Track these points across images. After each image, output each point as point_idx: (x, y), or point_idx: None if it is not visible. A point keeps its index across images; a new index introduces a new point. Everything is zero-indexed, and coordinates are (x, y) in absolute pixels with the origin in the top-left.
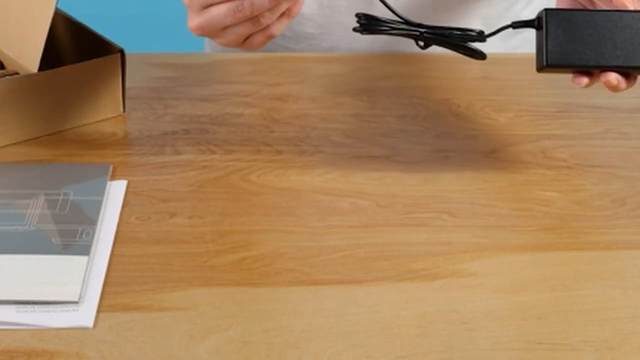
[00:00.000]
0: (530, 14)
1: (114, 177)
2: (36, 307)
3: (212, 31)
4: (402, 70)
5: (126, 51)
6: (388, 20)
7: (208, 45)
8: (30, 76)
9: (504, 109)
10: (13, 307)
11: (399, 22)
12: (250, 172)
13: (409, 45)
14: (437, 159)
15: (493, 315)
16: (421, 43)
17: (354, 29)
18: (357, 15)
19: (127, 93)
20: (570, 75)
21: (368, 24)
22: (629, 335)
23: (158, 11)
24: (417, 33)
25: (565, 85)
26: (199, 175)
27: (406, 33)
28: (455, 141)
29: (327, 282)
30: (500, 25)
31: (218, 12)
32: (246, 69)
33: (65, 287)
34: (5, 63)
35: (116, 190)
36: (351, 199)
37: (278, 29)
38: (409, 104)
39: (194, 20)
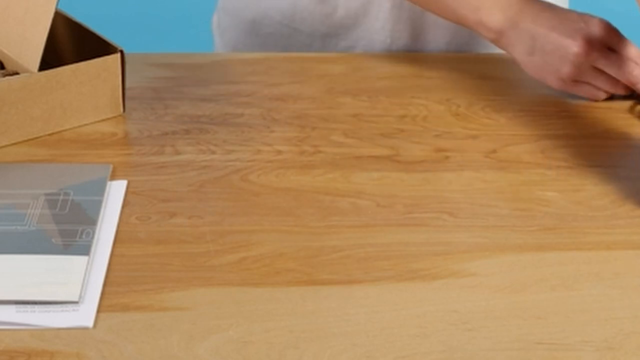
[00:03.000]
0: None
1: (114, 177)
2: (36, 307)
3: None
4: (402, 70)
5: (126, 51)
6: None
7: (220, 46)
8: (30, 76)
9: (504, 109)
10: (13, 307)
11: None
12: (250, 172)
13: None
14: (437, 159)
15: (493, 315)
16: None
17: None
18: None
19: (127, 93)
20: None
21: None
22: (629, 335)
23: (158, 11)
24: None
25: None
26: (199, 175)
27: None
28: (455, 141)
29: (327, 282)
30: None
31: (600, 80)
32: (246, 69)
33: (65, 287)
34: (5, 63)
35: (116, 190)
36: (351, 199)
37: None
38: (409, 104)
39: (575, 77)
